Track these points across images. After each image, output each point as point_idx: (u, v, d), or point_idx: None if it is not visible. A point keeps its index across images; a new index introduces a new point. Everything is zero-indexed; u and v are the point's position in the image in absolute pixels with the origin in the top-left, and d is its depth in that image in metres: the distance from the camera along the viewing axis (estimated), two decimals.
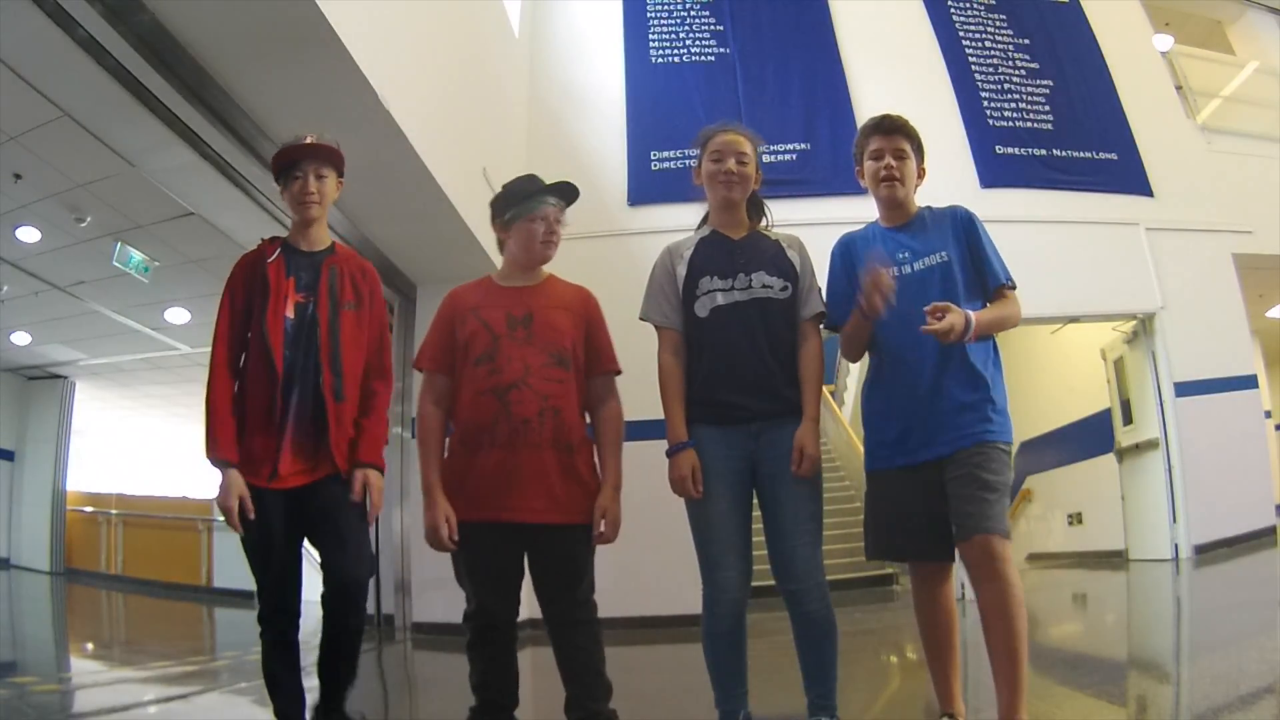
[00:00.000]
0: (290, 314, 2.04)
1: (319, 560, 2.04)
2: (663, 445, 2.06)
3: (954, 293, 2.00)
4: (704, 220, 2.25)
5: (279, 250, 2.12)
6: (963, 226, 2.09)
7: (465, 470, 1.97)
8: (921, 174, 2.16)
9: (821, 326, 2.14)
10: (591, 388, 2.10)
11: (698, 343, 2.08)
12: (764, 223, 2.23)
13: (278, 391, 2.00)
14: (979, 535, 1.85)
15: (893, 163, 2.09)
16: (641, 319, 2.16)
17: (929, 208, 2.16)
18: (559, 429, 1.98)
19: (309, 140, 2.13)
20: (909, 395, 1.99)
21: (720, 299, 2.06)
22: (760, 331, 2.04)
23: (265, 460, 1.98)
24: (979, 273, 2.06)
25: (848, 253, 2.16)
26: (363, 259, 2.27)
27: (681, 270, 2.12)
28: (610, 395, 2.12)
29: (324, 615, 2.01)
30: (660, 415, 2.09)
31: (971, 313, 1.91)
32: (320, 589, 2.02)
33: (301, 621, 2.04)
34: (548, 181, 2.15)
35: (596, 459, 2.08)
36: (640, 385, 2.19)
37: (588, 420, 2.11)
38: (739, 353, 2.03)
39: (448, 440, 2.06)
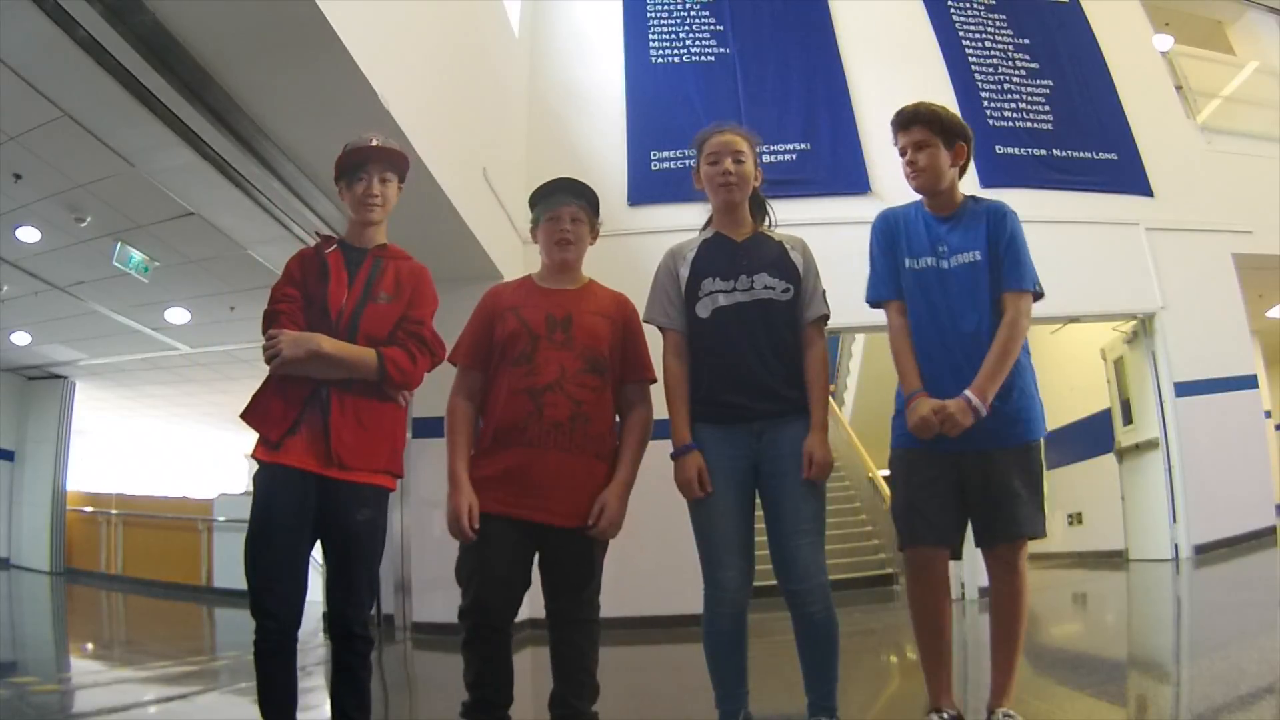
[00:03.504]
0: (344, 301, 2.01)
1: (324, 585, 1.99)
2: (662, 446, 2.06)
3: (981, 295, 2.01)
4: (708, 223, 2.25)
5: (335, 245, 2.10)
6: (995, 226, 2.05)
7: (490, 464, 1.97)
8: (960, 154, 2.10)
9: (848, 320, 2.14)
10: (624, 393, 2.10)
11: (700, 344, 2.09)
12: (767, 222, 2.23)
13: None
14: (1020, 539, 1.96)
15: (913, 157, 2.08)
16: (645, 321, 2.17)
17: (973, 198, 2.13)
18: (589, 436, 1.98)
19: (375, 142, 2.08)
20: (941, 395, 1.98)
21: (722, 300, 2.07)
22: (761, 332, 2.04)
23: (279, 425, 1.91)
24: (1000, 273, 2.02)
25: (889, 228, 2.14)
26: (417, 262, 2.16)
27: (684, 272, 2.13)
28: (642, 401, 2.11)
29: (329, 641, 1.98)
30: (660, 416, 2.09)
31: (971, 396, 1.91)
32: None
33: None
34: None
35: None
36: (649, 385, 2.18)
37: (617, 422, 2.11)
38: (740, 353, 2.03)
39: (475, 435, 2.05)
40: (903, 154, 2.11)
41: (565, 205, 2.09)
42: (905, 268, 2.09)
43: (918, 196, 2.16)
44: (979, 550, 2.05)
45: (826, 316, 2.11)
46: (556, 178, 2.14)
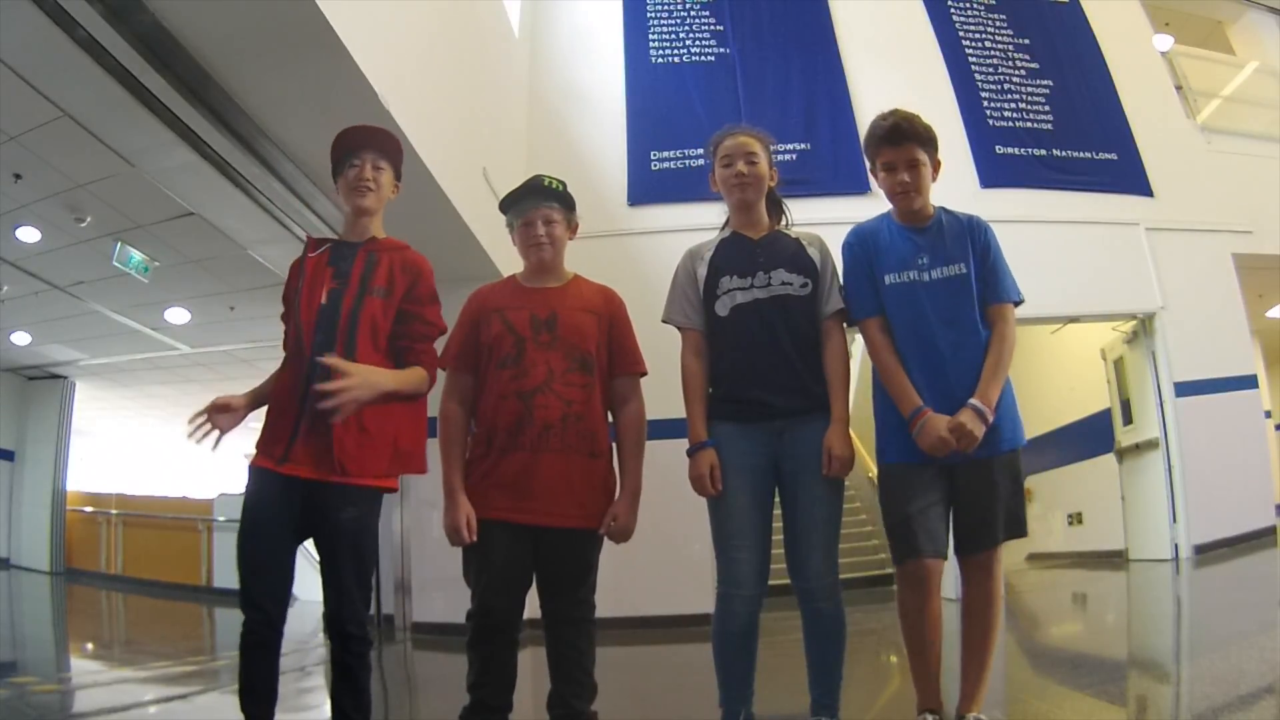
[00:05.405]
0: (324, 299, 1.99)
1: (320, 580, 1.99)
2: (666, 445, 2.06)
3: (969, 307, 2.02)
4: (725, 223, 2.26)
5: (325, 245, 2.09)
6: (980, 240, 2.08)
7: (487, 470, 1.97)
8: (937, 166, 2.12)
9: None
10: (614, 388, 2.09)
11: (720, 342, 2.10)
12: (783, 221, 2.25)
13: (303, 373, 1.94)
14: (997, 546, 2.00)
15: (906, 177, 2.06)
16: (664, 321, 2.18)
17: (944, 210, 2.14)
18: (582, 434, 1.98)
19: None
20: (930, 405, 1.99)
21: (740, 297, 2.08)
22: (781, 328, 2.04)
23: (280, 439, 1.93)
24: (985, 285, 2.05)
25: (864, 245, 2.14)
26: (415, 253, 2.10)
27: (702, 271, 2.14)
28: (632, 396, 2.11)
29: (329, 641, 1.97)
30: (664, 415, 2.09)
31: (979, 404, 1.94)
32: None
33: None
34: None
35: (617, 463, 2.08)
36: (644, 384, 2.19)
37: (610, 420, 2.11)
38: (760, 349, 2.04)
39: (469, 439, 2.06)
40: (889, 169, 2.08)
41: (537, 209, 2.08)
42: (885, 283, 2.08)
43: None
44: None
45: (845, 310, 2.12)
46: (526, 180, 2.13)
